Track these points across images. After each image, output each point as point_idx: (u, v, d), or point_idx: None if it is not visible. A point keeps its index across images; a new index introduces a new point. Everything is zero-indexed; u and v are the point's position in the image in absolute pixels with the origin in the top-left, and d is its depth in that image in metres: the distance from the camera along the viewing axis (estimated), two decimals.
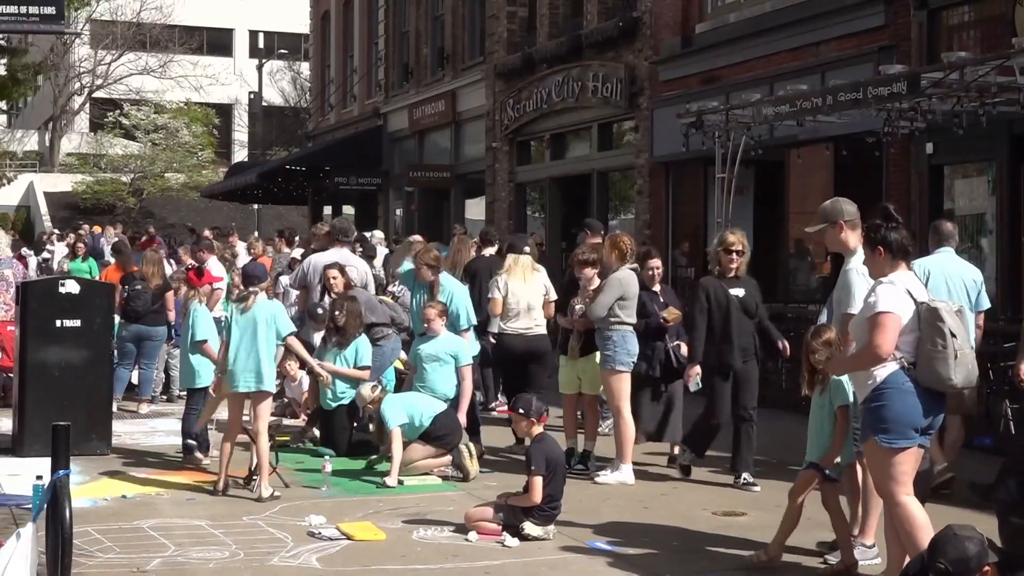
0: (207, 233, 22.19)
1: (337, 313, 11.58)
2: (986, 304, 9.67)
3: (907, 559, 6.45)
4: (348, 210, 34.52)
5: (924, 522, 6.52)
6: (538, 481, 8.19)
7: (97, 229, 30.42)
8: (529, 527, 8.14)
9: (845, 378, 7.22)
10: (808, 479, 7.52)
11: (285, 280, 15.00)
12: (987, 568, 5.35)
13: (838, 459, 7.49)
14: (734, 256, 9.88)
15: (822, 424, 7.51)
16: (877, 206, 6.99)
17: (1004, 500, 6.76)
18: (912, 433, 6.51)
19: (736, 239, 9.98)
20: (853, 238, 7.62)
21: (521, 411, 8.61)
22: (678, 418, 10.77)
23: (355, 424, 11.53)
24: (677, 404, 10.77)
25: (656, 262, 10.87)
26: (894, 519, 6.63)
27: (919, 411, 6.50)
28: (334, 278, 12.16)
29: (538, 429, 8.54)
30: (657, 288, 10.81)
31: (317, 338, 12.39)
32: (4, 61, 21.35)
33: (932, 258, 9.46)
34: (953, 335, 6.41)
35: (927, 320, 6.48)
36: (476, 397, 11.97)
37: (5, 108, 50.04)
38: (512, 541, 8.05)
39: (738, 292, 9.86)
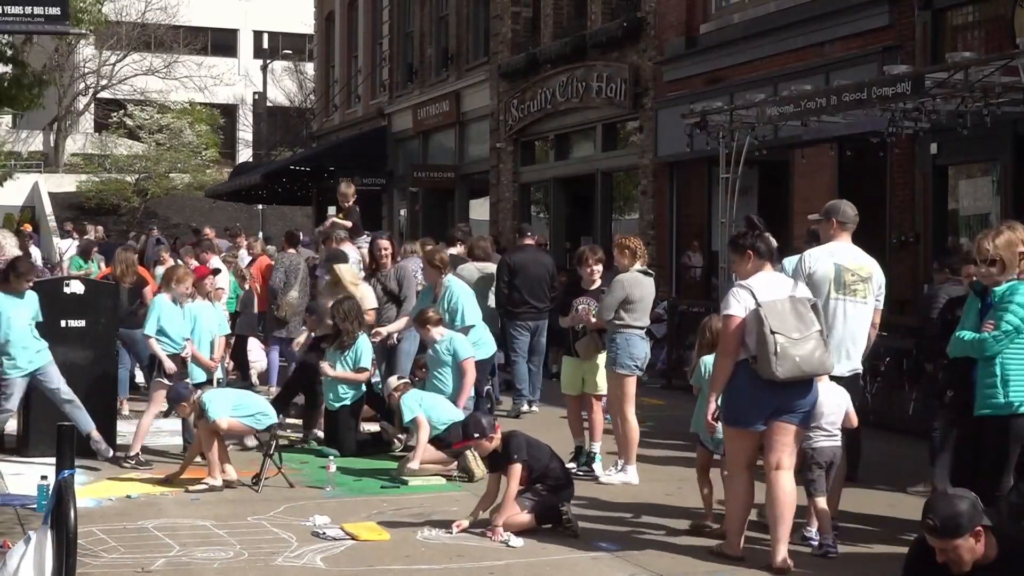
0: (208, 232, 22.19)
1: (336, 315, 11.65)
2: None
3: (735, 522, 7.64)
4: None
5: (743, 496, 7.58)
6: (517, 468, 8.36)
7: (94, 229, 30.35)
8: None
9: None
10: (702, 454, 8.62)
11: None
12: (979, 528, 5.40)
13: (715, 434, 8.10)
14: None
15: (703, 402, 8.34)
16: (744, 216, 7.90)
17: (1016, 504, 6.73)
18: (742, 419, 7.45)
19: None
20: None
21: (477, 435, 8.59)
22: None
23: (375, 420, 11.61)
24: None
25: (971, 268, 8.56)
26: (725, 487, 7.85)
27: (753, 399, 7.38)
28: (385, 249, 12.20)
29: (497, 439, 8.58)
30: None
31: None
32: (10, 70, 21.37)
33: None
34: (774, 332, 7.18)
35: (756, 320, 7.26)
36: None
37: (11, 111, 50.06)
38: (516, 541, 8.05)
39: None
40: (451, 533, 8.25)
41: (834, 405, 7.91)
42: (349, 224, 14.65)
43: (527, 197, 25.25)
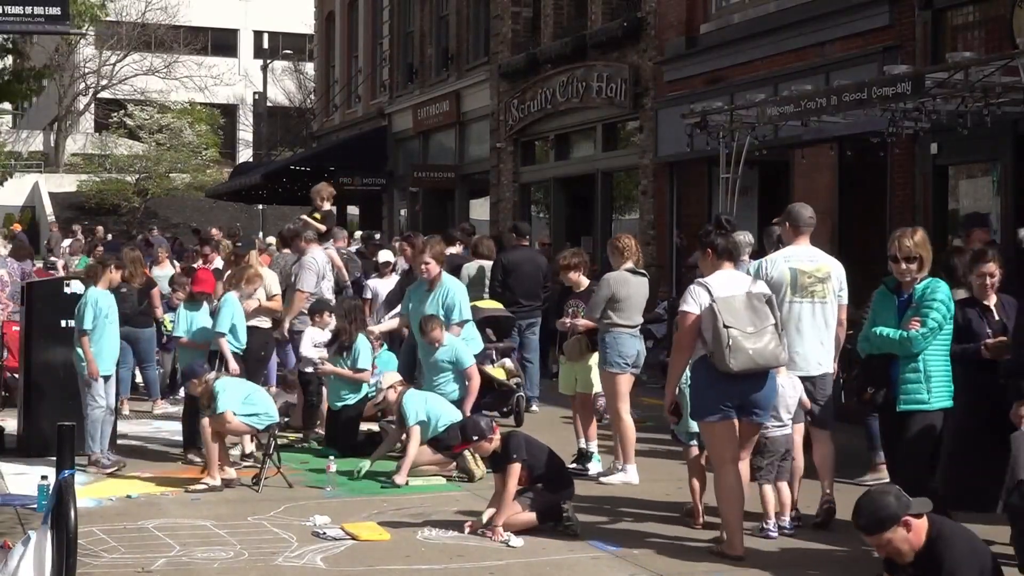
0: (213, 231, 22.19)
1: (332, 315, 11.68)
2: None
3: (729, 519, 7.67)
4: (352, 211, 34.56)
5: (734, 491, 7.64)
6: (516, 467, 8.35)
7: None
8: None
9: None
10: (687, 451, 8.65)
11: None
12: (907, 519, 5.46)
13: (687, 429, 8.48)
14: None
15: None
16: (714, 216, 7.87)
17: (1018, 506, 6.70)
18: (707, 413, 7.65)
19: None
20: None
21: (475, 438, 8.61)
22: None
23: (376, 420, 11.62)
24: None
25: (989, 267, 8.04)
26: (715, 487, 7.81)
27: (714, 392, 7.58)
28: (405, 249, 12.26)
29: (496, 439, 8.58)
30: (992, 301, 8.04)
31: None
32: (9, 63, 21.38)
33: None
34: (727, 326, 7.40)
35: (710, 315, 7.49)
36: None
37: (11, 109, 50.12)
38: (516, 541, 8.06)
39: None
40: (463, 533, 8.27)
41: (792, 396, 8.21)
42: (324, 228, 14.60)
43: (527, 197, 25.25)
